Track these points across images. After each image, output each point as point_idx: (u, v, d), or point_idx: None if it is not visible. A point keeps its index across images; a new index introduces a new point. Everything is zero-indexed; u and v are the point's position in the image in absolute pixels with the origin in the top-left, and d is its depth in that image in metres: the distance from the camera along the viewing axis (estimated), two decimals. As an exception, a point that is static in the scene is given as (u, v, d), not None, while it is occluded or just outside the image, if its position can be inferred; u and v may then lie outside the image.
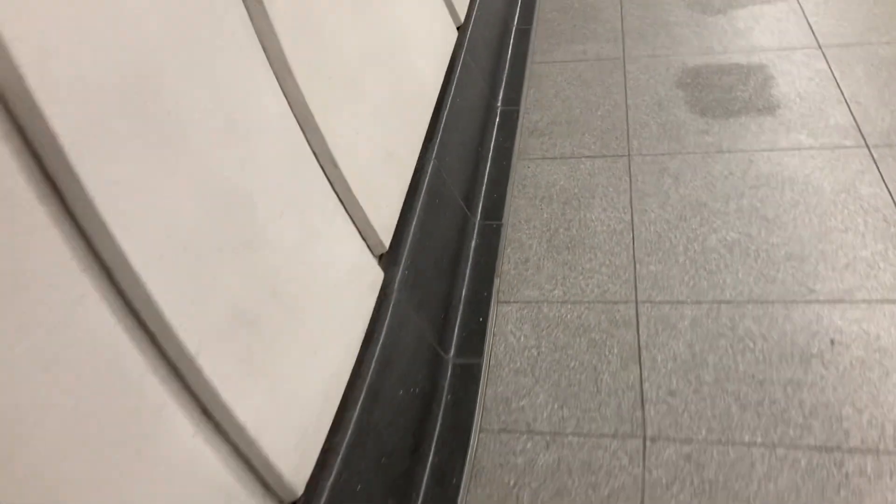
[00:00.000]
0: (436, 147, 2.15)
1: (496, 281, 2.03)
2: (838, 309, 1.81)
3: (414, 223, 1.90)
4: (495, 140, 2.57)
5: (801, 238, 2.02)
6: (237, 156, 1.32)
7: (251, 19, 1.47)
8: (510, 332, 1.89)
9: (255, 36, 1.47)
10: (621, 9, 3.23)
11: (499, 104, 2.75)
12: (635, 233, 2.12)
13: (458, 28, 2.70)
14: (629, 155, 2.41)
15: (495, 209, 2.28)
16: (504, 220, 2.23)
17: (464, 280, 2.03)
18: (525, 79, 2.88)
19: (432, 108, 2.27)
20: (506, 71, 2.93)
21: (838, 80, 2.58)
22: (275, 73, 1.52)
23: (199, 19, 1.29)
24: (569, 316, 1.90)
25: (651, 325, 1.84)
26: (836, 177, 2.20)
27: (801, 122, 2.43)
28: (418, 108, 2.17)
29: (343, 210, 1.67)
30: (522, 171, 2.43)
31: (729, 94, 2.61)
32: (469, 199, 2.29)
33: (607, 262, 2.04)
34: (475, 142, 2.48)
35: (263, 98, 1.46)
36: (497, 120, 2.67)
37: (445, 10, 2.61)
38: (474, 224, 2.22)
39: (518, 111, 2.70)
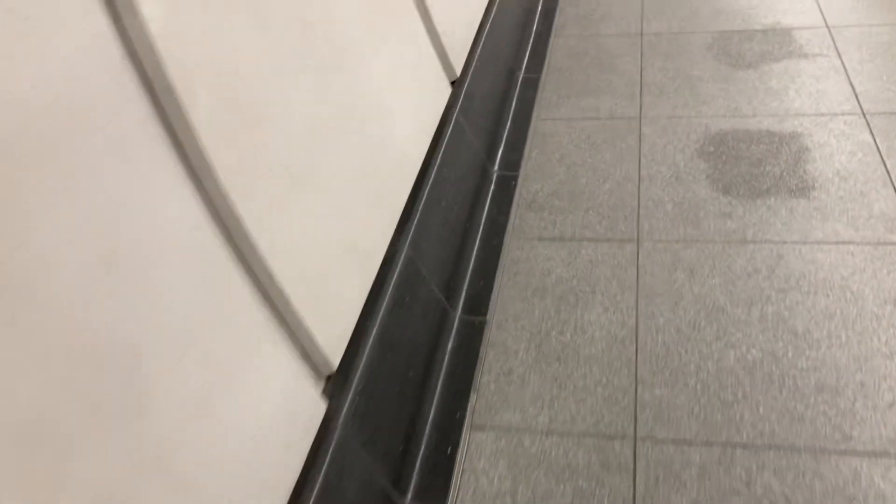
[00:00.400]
0: (412, 231, 1.86)
1: (472, 397, 1.73)
2: (880, 465, 1.49)
3: (374, 331, 1.61)
4: (487, 212, 2.28)
5: (835, 362, 1.69)
6: (118, 297, 1.04)
7: (163, 114, 1.19)
8: (482, 470, 1.59)
9: (164, 135, 1.19)
10: (641, 58, 2.92)
11: (495, 168, 2.45)
12: (639, 343, 1.81)
13: (452, 82, 2.41)
14: (638, 240, 2.10)
15: (480, 301, 1.98)
16: (489, 317, 1.93)
17: (434, 396, 1.74)
18: (528, 138, 2.58)
19: (412, 181, 1.99)
20: (507, 128, 2.63)
21: (884, 157, 2.25)
22: (191, 176, 1.24)
23: (66, 129, 1.01)
24: (554, 453, 1.59)
25: (650, 473, 1.53)
26: (881, 282, 1.87)
27: (839, 208, 2.11)
28: (394, 186, 1.89)
29: (278, 331, 1.38)
30: (515, 254, 2.13)
31: (757, 168, 2.29)
32: (450, 287, 1.99)
33: (604, 380, 1.73)
34: (464, 215, 2.19)
35: (169, 211, 1.17)
36: (492, 188, 2.38)
37: (438, 65, 2.33)
38: (454, 319, 1.92)
39: (517, 178, 2.40)
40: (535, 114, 2.70)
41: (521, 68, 2.95)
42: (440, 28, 2.35)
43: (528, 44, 3.09)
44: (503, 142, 2.57)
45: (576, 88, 2.81)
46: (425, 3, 2.28)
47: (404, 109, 2.04)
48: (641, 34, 3.08)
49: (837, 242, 2.00)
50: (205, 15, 1.30)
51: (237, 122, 1.34)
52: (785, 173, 2.25)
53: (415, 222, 1.88)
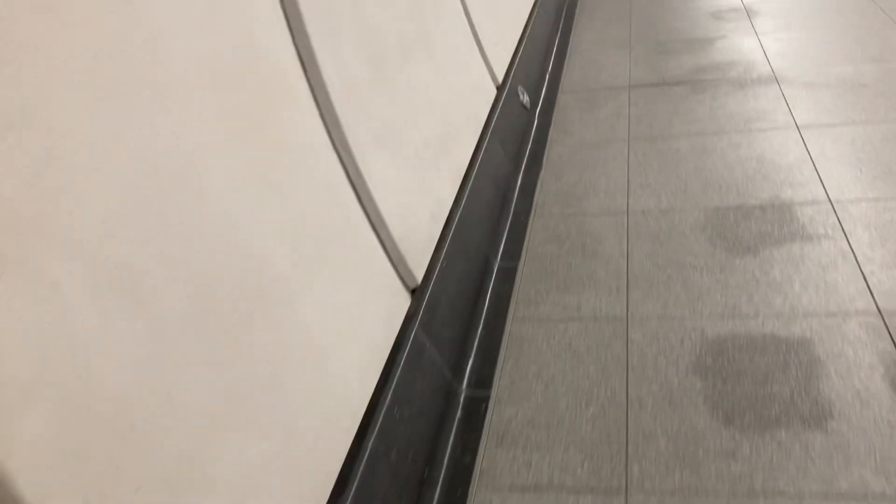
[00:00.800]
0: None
1: None
2: None
3: None
4: (451, 452, 1.96)
5: None
6: None
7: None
8: None
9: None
10: (627, 241, 2.67)
11: (464, 388, 2.15)
12: None
13: (413, 290, 2.15)
14: (627, 491, 1.76)
15: (435, 584, 1.64)
16: None
17: None
18: (502, 346, 2.29)
19: (353, 435, 1.68)
20: (479, 333, 2.35)
21: (910, 373, 1.94)
22: None
23: None
24: None
25: None
26: (925, 559, 1.51)
27: (864, 445, 1.78)
28: (324, 449, 1.58)
29: None
30: (481, 511, 1.79)
31: (762, 387, 1.98)
32: (400, 566, 1.65)
33: None
34: (421, 463, 1.87)
35: None
36: (458, 416, 2.07)
37: (394, 276, 2.07)
38: None
39: (487, 400, 2.10)
40: (510, 313, 2.43)
41: (497, 256, 2.70)
42: (397, 235, 2.11)
43: (505, 226, 2.86)
44: (474, 351, 2.28)
45: (556, 280, 2.54)
46: (380, 214, 2.05)
47: (345, 344, 1.76)
48: (627, 212, 2.84)
49: (867, 498, 1.65)
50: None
51: (87, 463, 1.05)
52: (796, 395, 1.94)
53: (352, 492, 1.57)
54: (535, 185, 3.13)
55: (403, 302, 2.08)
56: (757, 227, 2.64)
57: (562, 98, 3.94)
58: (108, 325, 1.14)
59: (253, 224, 1.53)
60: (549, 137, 3.53)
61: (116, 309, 1.17)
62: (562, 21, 5.07)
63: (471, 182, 2.72)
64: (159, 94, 1.32)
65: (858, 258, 2.39)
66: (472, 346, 2.29)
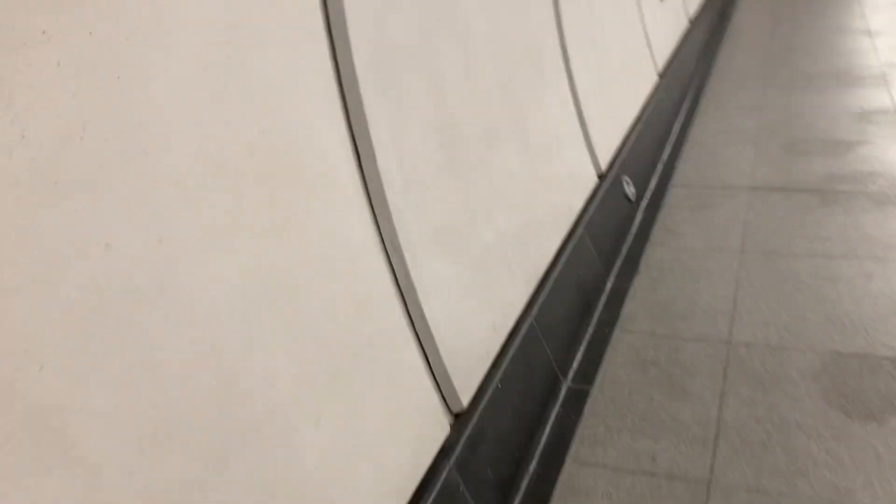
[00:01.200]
0: None
1: None
2: None
3: None
4: None
5: None
6: None
7: None
8: None
9: None
10: (724, 382, 2.27)
11: (498, 546, 1.81)
12: None
13: (457, 415, 1.84)
14: None
15: None
16: None
17: None
18: (554, 496, 1.93)
19: None
20: (529, 475, 2.00)
21: None
22: None
23: None
24: None
25: None
26: None
27: None
28: None
29: None
30: None
31: None
32: None
33: None
34: None
35: None
36: (485, 581, 1.72)
37: (434, 401, 1.77)
38: None
39: (523, 566, 1.75)
40: (571, 451, 2.07)
41: (567, 376, 2.35)
42: (445, 348, 1.82)
43: (583, 340, 2.51)
44: (518, 499, 1.93)
45: (632, 418, 2.17)
46: (427, 323, 1.77)
47: (356, 488, 1.47)
48: (729, 343, 2.44)
49: None
50: None
51: None
52: None
53: None
54: (626, 293, 2.77)
55: (441, 430, 1.78)
56: (886, 385, 2.18)
57: (672, 193, 3.57)
58: (13, 481, 0.90)
59: (248, 344, 1.27)
60: (652, 237, 3.16)
61: (30, 459, 0.93)
62: (685, 106, 4.70)
63: (549, 284, 2.40)
64: (140, 188, 1.09)
65: None
66: (518, 493, 1.94)
